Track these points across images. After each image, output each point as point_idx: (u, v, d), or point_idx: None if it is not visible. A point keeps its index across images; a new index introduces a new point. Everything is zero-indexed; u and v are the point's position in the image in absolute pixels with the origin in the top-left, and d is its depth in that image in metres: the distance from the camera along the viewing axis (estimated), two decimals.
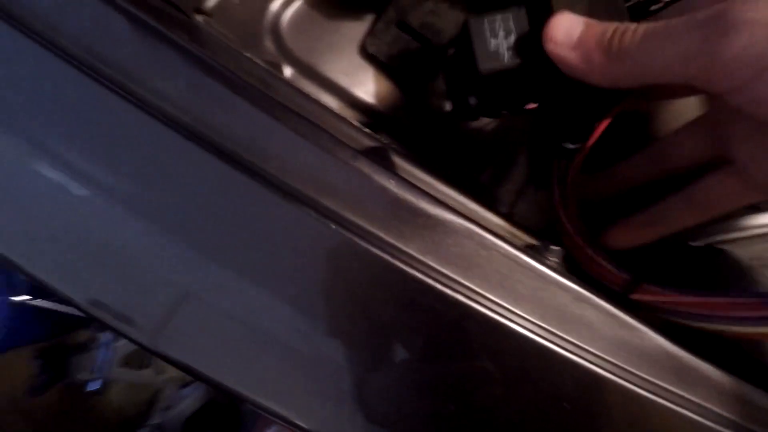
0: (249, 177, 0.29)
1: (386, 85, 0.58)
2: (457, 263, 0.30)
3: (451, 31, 0.56)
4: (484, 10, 0.58)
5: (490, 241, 0.30)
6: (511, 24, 0.36)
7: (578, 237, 0.40)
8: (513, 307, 0.30)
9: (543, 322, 0.30)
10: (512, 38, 0.36)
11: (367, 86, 0.58)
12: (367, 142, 0.42)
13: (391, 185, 0.30)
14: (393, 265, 0.28)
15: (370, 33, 0.57)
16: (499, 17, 0.37)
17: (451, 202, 0.42)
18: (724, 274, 0.38)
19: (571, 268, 0.39)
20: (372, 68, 0.58)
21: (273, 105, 0.31)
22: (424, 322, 0.29)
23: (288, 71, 0.56)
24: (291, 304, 0.31)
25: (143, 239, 0.31)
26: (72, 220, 0.31)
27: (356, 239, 0.29)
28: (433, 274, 0.29)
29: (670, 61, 0.28)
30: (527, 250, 0.35)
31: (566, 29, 0.32)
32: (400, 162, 0.43)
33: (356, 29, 0.57)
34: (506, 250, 0.31)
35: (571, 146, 0.38)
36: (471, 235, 0.30)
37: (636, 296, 0.36)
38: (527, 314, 0.30)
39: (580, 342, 0.30)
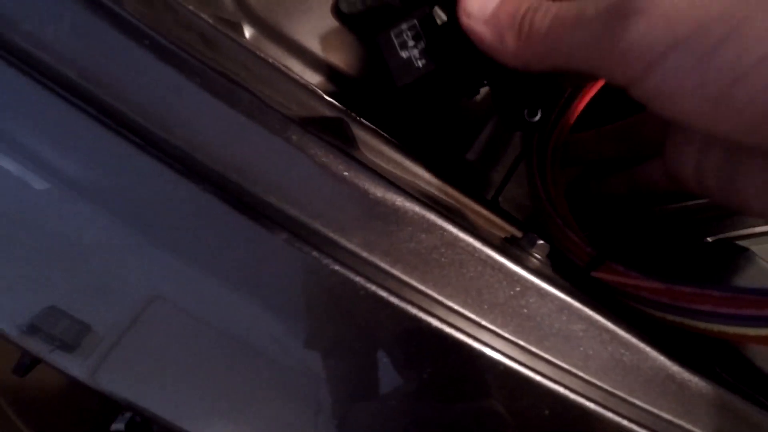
0: (147, 153, 0.23)
1: (360, 50, 0.52)
2: (410, 262, 0.24)
3: None
4: None
5: (454, 235, 0.24)
6: (419, 29, 0.36)
7: (548, 204, 0.40)
8: (478, 317, 0.24)
9: (517, 338, 0.24)
10: (422, 44, 0.36)
11: (338, 51, 0.51)
12: (324, 112, 0.35)
13: (331, 161, 0.24)
14: (325, 264, 0.22)
15: None
16: (404, 26, 0.37)
17: (419, 186, 0.36)
18: (745, 273, 0.33)
19: (559, 266, 0.33)
20: (345, 30, 0.51)
21: (185, 61, 0.24)
22: (364, 334, 0.23)
23: (249, 32, 0.49)
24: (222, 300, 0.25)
25: (99, 234, 0.25)
26: (29, 214, 0.26)
27: (286, 234, 0.23)
28: (379, 276, 0.23)
29: (575, 49, 0.26)
30: (505, 245, 0.29)
31: (481, 1, 0.31)
32: (363, 137, 0.37)
33: None
34: (474, 247, 0.25)
35: (533, 119, 0.35)
36: (430, 228, 0.24)
37: (598, 274, 0.33)
38: (497, 327, 0.24)
39: (563, 363, 0.24)
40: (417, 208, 0.24)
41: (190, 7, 0.40)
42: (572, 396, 0.23)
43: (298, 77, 0.44)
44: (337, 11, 0.50)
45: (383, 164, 0.36)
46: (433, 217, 0.25)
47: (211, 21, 0.40)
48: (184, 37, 0.35)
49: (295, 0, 0.50)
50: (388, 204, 0.24)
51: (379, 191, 0.24)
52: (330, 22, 0.51)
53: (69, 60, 0.23)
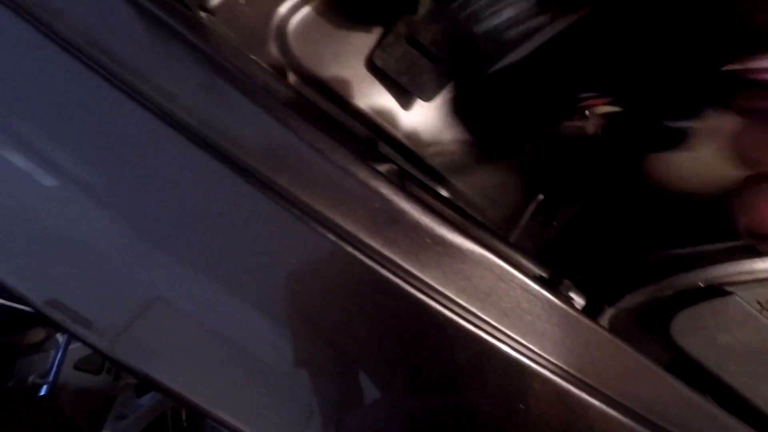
0: (262, 191, 0.27)
1: (388, 99, 0.57)
2: (477, 296, 0.28)
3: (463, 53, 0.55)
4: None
5: (510, 274, 0.29)
6: None
7: None
8: (538, 349, 0.28)
9: (573, 369, 0.29)
10: None
11: (369, 98, 0.56)
12: (381, 161, 0.40)
13: (411, 209, 0.28)
14: (410, 293, 0.27)
15: (379, 46, 0.55)
16: None
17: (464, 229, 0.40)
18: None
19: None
20: (376, 81, 0.57)
21: (286, 114, 0.29)
22: (442, 354, 0.27)
23: (291, 77, 0.54)
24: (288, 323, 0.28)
25: (117, 240, 0.28)
26: (36, 211, 0.29)
27: (376, 266, 0.27)
28: (455, 308, 0.27)
29: None
30: (542, 283, 0.34)
31: None
32: (409, 185, 0.41)
33: (364, 41, 0.56)
34: (527, 285, 0.29)
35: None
36: (491, 266, 0.29)
37: None
38: (557, 360, 0.28)
39: (616, 395, 0.29)
40: (479, 249, 0.29)
41: (252, 57, 0.44)
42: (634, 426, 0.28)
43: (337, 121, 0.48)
44: (371, 64, 0.56)
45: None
46: (492, 257, 0.29)
47: (264, 66, 0.44)
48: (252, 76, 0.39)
49: (333, 51, 0.55)
50: (460, 246, 0.28)
51: (451, 235, 0.29)
52: (363, 72, 0.56)
53: (192, 111, 0.27)
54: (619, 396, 0.29)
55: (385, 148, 0.57)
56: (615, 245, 0.70)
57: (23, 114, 0.28)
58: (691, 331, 0.37)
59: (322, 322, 0.28)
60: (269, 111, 0.29)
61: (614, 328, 0.41)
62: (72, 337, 0.35)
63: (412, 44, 0.55)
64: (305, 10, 0.55)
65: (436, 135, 0.60)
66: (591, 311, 0.43)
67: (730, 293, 0.38)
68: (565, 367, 0.28)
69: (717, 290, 0.39)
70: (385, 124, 0.57)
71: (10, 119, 0.28)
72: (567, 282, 0.36)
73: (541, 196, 0.60)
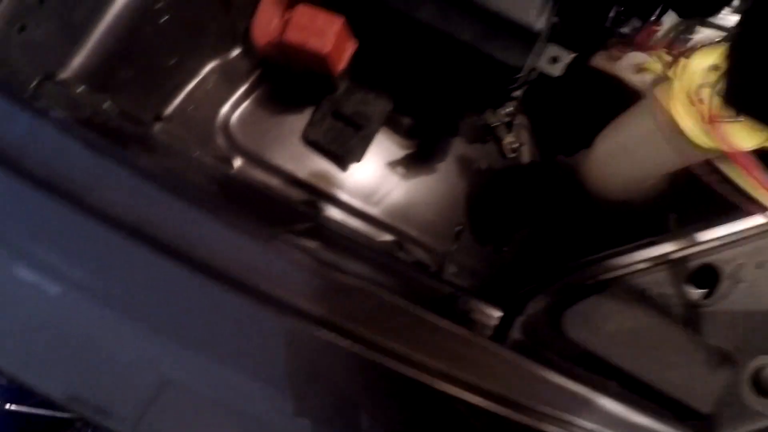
0: (185, 269, 0.35)
1: (327, 166, 0.66)
2: (364, 321, 0.35)
3: (379, 116, 0.64)
4: (404, 99, 0.67)
5: (394, 302, 0.36)
6: None
7: None
8: (413, 353, 0.35)
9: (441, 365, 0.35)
10: None
11: (310, 168, 0.66)
12: (299, 221, 0.48)
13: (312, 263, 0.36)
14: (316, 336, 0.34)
15: (310, 123, 0.65)
16: None
17: (371, 268, 0.48)
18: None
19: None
20: (314, 153, 0.66)
21: (203, 202, 0.37)
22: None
23: (238, 162, 0.63)
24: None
25: (111, 330, 0.36)
26: (46, 317, 0.37)
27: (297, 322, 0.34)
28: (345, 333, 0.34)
29: None
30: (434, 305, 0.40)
31: None
32: (330, 235, 0.49)
33: (298, 121, 0.66)
34: (409, 310, 0.36)
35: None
36: (374, 296, 0.36)
37: None
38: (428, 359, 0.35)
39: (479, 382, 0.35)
40: (365, 285, 0.36)
41: (196, 154, 0.54)
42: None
43: (278, 194, 0.57)
44: (306, 139, 0.65)
45: (346, 255, 0.48)
46: (376, 290, 0.36)
47: (211, 162, 0.54)
48: (196, 179, 0.48)
49: (272, 134, 0.65)
50: (347, 284, 0.36)
51: (340, 277, 0.36)
52: (301, 148, 0.66)
53: (128, 211, 0.36)
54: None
55: (328, 208, 0.65)
56: (561, 258, 0.76)
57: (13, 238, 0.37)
58: (579, 324, 0.43)
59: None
60: (190, 204, 0.37)
61: (528, 334, 0.46)
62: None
63: (336, 117, 0.65)
64: (245, 105, 0.65)
65: (375, 187, 0.69)
66: (506, 322, 0.49)
67: (608, 286, 0.44)
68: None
69: (601, 285, 0.45)
70: (327, 187, 0.66)
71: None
72: (464, 298, 0.43)
73: (459, 228, 0.67)
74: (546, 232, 0.80)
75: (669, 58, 0.47)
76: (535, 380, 0.36)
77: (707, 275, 0.46)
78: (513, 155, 0.80)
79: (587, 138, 0.69)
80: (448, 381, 0.35)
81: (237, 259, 0.35)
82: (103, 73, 0.53)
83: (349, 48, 0.56)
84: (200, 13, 0.59)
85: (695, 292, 0.46)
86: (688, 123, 0.46)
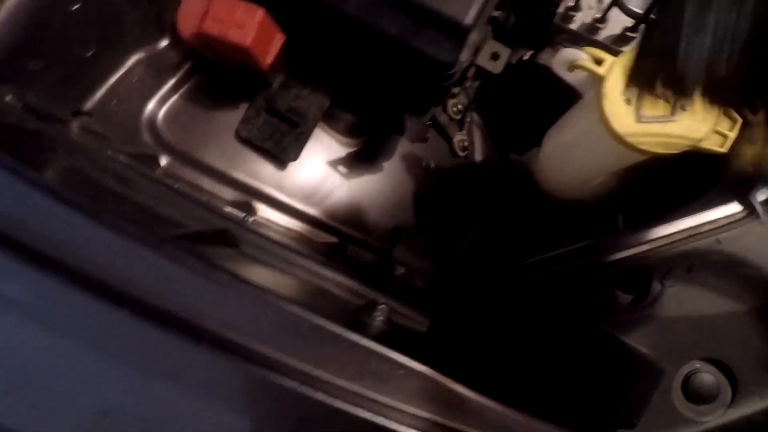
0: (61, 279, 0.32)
1: (263, 164, 0.63)
2: (258, 335, 0.32)
3: (315, 113, 0.62)
4: (342, 94, 0.64)
5: (288, 311, 0.33)
6: None
7: None
8: (312, 370, 0.32)
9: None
10: None
11: (245, 167, 0.62)
12: (215, 224, 0.45)
13: (198, 268, 0.33)
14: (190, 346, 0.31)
15: (243, 119, 0.62)
16: None
17: (292, 271, 0.45)
18: None
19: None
20: (248, 150, 0.63)
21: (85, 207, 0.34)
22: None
23: (165, 160, 0.60)
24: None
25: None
26: None
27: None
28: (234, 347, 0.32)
29: None
30: (355, 313, 0.38)
31: None
32: (250, 237, 0.46)
33: (231, 117, 0.63)
34: (306, 320, 0.33)
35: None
36: (270, 306, 0.33)
37: None
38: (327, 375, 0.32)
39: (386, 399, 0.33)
40: (261, 293, 0.34)
41: (109, 152, 0.50)
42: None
43: (204, 195, 0.54)
44: (239, 136, 0.62)
45: (264, 258, 0.45)
46: (270, 298, 0.34)
47: (126, 161, 0.50)
48: (101, 179, 0.45)
49: (203, 131, 0.62)
50: (241, 291, 0.33)
51: (235, 285, 0.33)
52: (234, 145, 0.63)
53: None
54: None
55: (264, 208, 0.62)
56: (515, 259, 0.75)
57: None
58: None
59: None
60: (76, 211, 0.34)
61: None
62: None
63: (270, 113, 0.61)
64: (173, 99, 0.62)
65: (315, 186, 0.66)
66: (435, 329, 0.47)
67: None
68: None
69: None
70: (263, 187, 0.63)
71: None
72: (383, 306, 0.41)
73: (395, 227, 0.65)
74: (499, 232, 0.79)
75: (600, 55, 0.46)
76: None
77: (637, 279, 0.44)
78: (464, 153, 0.78)
79: (538, 136, 0.67)
80: (356, 399, 0.32)
81: (121, 268, 0.32)
82: (5, 64, 0.49)
83: (276, 41, 0.53)
84: (118, 1, 0.55)
85: (624, 297, 0.45)
86: (621, 123, 0.45)
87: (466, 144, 0.78)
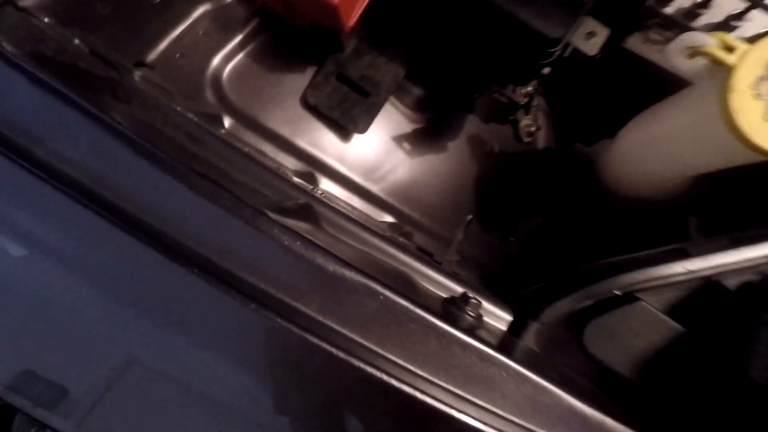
0: (146, 243, 0.29)
1: (327, 134, 0.59)
2: (356, 323, 0.29)
3: (389, 84, 0.57)
4: (418, 67, 0.60)
5: (392, 300, 0.30)
6: None
7: None
8: (413, 367, 0.29)
9: (446, 383, 0.30)
10: None
11: (308, 135, 0.59)
12: (295, 197, 0.42)
13: (295, 246, 0.30)
14: (286, 327, 0.28)
15: (311, 85, 0.58)
16: None
17: (372, 256, 0.42)
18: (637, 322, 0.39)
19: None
20: (313, 118, 0.59)
21: (177, 167, 0.31)
22: (318, 384, 0.28)
23: (228, 122, 0.56)
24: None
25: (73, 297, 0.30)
26: None
27: (255, 304, 0.28)
28: (330, 335, 0.29)
29: None
30: (444, 304, 0.35)
31: None
32: (327, 214, 0.43)
33: (297, 81, 0.59)
34: (408, 309, 0.30)
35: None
36: (373, 294, 0.30)
37: None
38: (428, 375, 0.30)
39: (485, 403, 0.30)
40: (362, 279, 0.31)
41: (178, 108, 0.47)
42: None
43: (271, 162, 0.51)
44: (305, 102, 0.58)
45: (343, 237, 0.42)
46: (374, 285, 0.31)
47: (195, 119, 0.47)
48: (175, 136, 0.41)
49: (268, 93, 0.58)
50: (338, 276, 0.30)
51: (330, 266, 0.30)
52: (299, 111, 0.59)
53: (83, 170, 0.30)
54: (507, 412, 0.30)
55: (324, 180, 0.59)
56: (571, 256, 0.71)
57: None
58: (603, 339, 0.38)
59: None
60: (163, 170, 0.31)
61: (543, 343, 0.41)
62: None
63: (341, 80, 0.57)
64: (239, 57, 0.58)
65: (378, 162, 0.62)
66: (517, 326, 0.43)
67: (638, 299, 0.39)
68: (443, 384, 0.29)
69: (629, 297, 0.39)
70: (325, 158, 0.59)
71: None
72: (475, 301, 0.37)
73: (470, 217, 0.62)
74: (556, 225, 0.75)
75: (732, 42, 0.41)
76: (554, 405, 0.31)
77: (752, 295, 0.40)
78: (528, 139, 0.73)
79: (611, 127, 0.63)
80: (452, 401, 0.29)
81: (214, 240, 0.29)
82: (74, 5, 0.45)
83: (362, 1, 0.49)
84: None
85: None
86: (747, 119, 0.40)
87: (532, 129, 0.74)
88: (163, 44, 0.56)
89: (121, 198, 0.30)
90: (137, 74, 0.53)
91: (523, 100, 0.71)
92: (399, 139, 0.63)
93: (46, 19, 0.44)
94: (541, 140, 0.77)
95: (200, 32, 0.57)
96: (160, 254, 0.29)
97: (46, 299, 0.31)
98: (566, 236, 0.73)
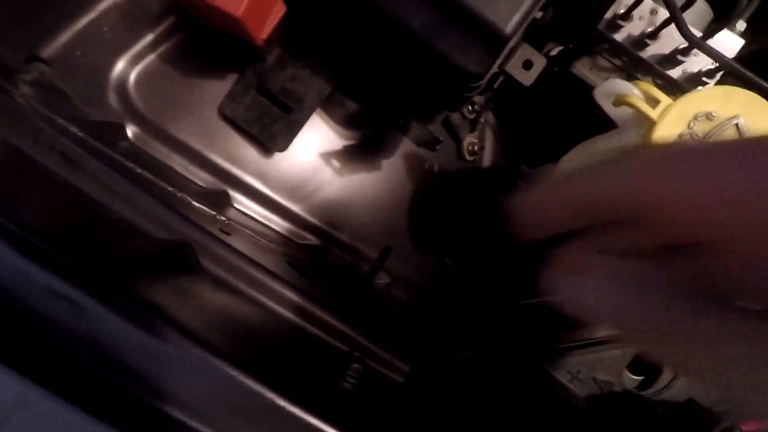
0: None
1: (247, 148, 0.55)
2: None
3: (312, 99, 0.53)
4: (347, 80, 0.56)
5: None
6: None
7: None
8: None
9: None
10: None
11: (225, 149, 0.54)
12: (177, 230, 0.38)
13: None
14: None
15: (228, 95, 0.53)
16: None
17: (261, 300, 0.39)
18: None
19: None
20: (232, 131, 0.55)
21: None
22: None
23: (132, 131, 0.51)
24: None
25: None
26: None
27: None
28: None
29: None
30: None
31: None
32: (217, 251, 0.39)
33: (215, 89, 0.54)
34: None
35: None
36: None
37: None
38: None
39: None
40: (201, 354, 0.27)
41: (60, 121, 0.42)
42: None
43: (175, 179, 0.46)
44: (221, 113, 0.54)
45: (230, 279, 0.38)
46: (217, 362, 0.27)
47: (80, 133, 0.42)
48: (44, 160, 0.37)
49: (181, 102, 0.53)
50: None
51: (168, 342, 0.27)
52: (216, 122, 0.54)
53: None
54: None
55: (242, 199, 0.55)
56: (506, 281, 0.69)
57: None
58: None
59: None
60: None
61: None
62: None
63: (261, 93, 0.53)
64: (149, 58, 0.53)
65: (303, 180, 0.58)
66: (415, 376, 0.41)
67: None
68: None
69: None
70: (242, 174, 0.55)
71: None
72: (356, 367, 0.35)
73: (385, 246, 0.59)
74: (495, 247, 0.73)
75: (656, 95, 0.38)
76: None
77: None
78: (472, 158, 0.71)
79: (555, 151, 0.60)
80: None
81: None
82: None
83: (276, 12, 0.44)
84: None
85: (632, 379, 0.39)
86: None
87: (476, 148, 0.71)
88: (63, 38, 0.50)
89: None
90: (28, 75, 0.48)
91: (470, 117, 0.68)
92: (328, 156, 0.60)
93: None
94: (487, 158, 0.74)
95: (106, 28, 0.51)
96: None
97: None
98: (504, 258, 0.72)
